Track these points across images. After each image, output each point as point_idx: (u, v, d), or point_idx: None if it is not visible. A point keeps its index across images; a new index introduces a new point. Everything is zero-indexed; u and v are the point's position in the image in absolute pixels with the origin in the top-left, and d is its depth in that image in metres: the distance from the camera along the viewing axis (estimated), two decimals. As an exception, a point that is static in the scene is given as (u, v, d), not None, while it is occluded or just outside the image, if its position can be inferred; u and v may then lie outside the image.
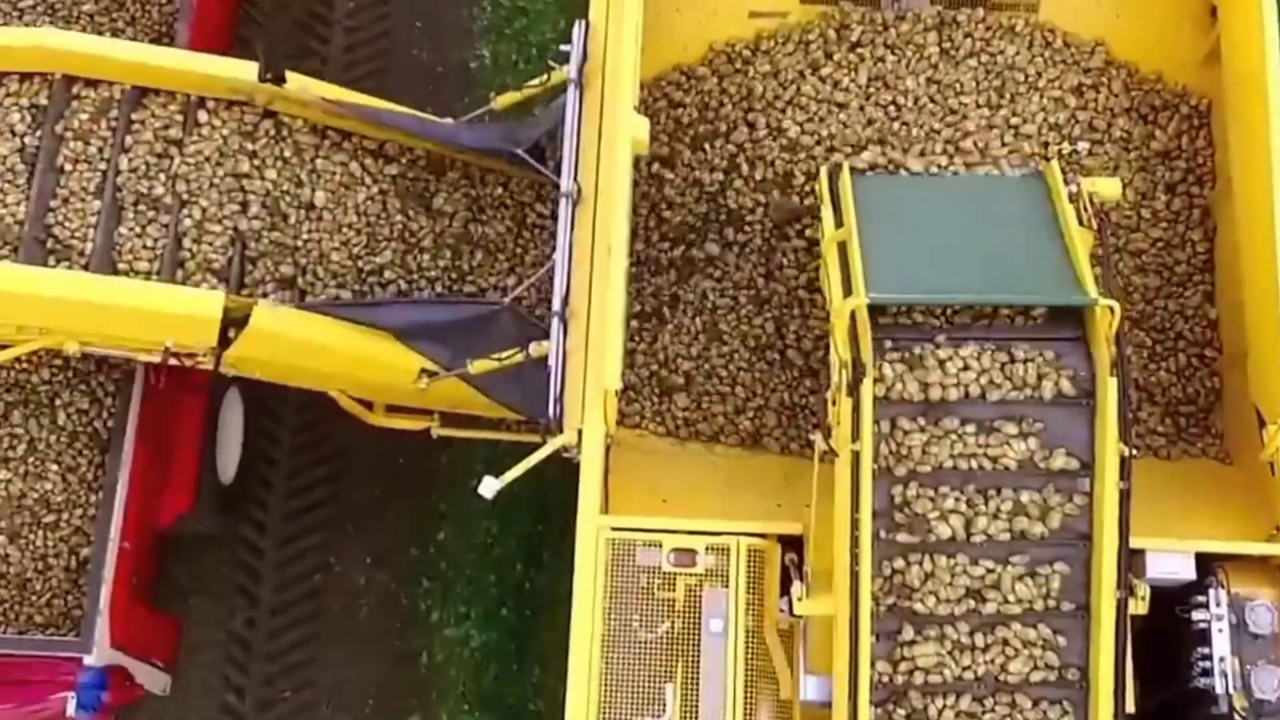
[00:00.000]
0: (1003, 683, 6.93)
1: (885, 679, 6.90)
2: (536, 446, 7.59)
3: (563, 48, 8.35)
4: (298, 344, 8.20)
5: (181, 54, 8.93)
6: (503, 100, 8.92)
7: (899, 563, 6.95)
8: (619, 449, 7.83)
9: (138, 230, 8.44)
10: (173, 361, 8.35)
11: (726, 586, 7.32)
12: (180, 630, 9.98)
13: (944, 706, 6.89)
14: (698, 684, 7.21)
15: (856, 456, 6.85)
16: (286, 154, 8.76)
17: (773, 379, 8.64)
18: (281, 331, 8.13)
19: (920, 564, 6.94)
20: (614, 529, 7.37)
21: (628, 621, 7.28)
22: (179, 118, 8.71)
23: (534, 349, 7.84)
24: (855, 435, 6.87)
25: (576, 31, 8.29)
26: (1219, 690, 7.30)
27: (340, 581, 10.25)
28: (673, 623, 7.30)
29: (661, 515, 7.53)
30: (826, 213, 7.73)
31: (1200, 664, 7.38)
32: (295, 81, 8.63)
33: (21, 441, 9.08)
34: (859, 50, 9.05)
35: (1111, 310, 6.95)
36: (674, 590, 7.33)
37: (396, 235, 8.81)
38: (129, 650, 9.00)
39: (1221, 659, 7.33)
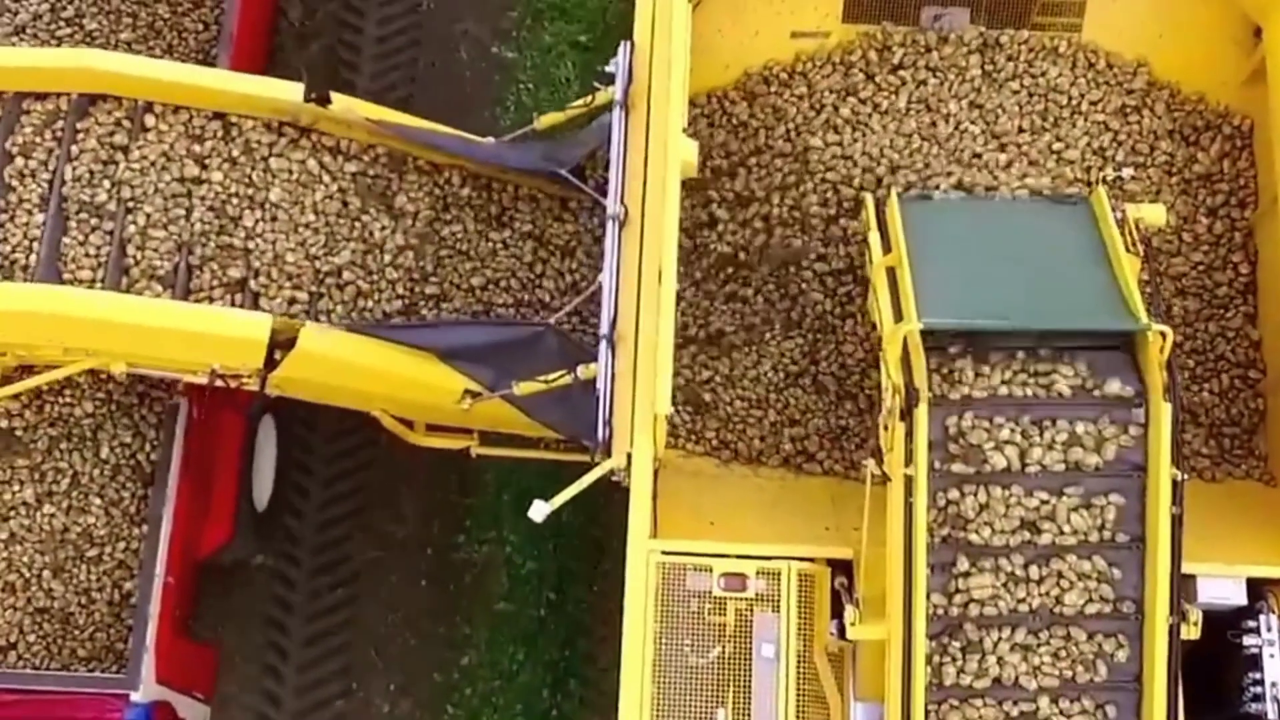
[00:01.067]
0: (1058, 615, 6.94)
1: (940, 611, 6.90)
2: (580, 474, 7.52)
3: (607, 69, 8.32)
4: (343, 365, 8.16)
5: (225, 74, 8.92)
6: (545, 120, 8.89)
7: (953, 493, 6.94)
8: (664, 471, 7.79)
9: (81, 239, 8.33)
10: (218, 383, 8.32)
11: (777, 611, 7.29)
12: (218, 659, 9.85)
13: (999, 639, 6.90)
14: (749, 709, 7.18)
15: (910, 481, 6.85)
16: (235, 154, 8.58)
17: (807, 403, 8.61)
18: (327, 353, 8.09)
19: (975, 495, 6.95)
20: (664, 553, 7.33)
21: (679, 646, 7.25)
22: (126, 124, 8.56)
23: (582, 372, 7.78)
24: (909, 460, 6.86)
25: (622, 52, 8.24)
26: (1270, 716, 7.30)
27: (363, 708, 9.91)
28: (724, 647, 7.27)
29: (709, 538, 7.49)
30: (874, 238, 7.72)
31: (1251, 689, 7.38)
32: (340, 102, 8.58)
33: (65, 475, 9.00)
34: (900, 73, 9.00)
35: (1163, 335, 6.95)
36: (724, 615, 7.30)
37: (356, 235, 8.63)
38: (173, 685, 8.91)
39: (1273, 684, 7.33)
